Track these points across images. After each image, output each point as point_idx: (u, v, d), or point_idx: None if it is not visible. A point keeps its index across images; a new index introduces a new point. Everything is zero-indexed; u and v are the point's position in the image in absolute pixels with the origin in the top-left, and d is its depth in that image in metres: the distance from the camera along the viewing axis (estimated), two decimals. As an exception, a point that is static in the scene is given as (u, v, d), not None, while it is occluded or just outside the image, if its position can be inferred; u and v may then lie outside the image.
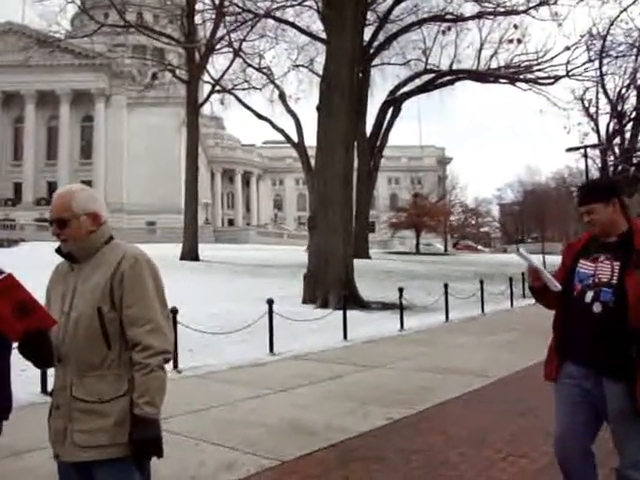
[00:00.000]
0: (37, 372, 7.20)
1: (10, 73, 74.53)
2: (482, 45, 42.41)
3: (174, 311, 10.40)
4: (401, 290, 16.27)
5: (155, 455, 2.73)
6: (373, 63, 43.53)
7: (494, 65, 42.60)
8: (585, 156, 35.71)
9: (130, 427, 2.69)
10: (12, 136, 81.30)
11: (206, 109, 48.25)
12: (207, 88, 43.55)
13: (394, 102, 45.10)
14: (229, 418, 7.06)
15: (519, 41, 41.35)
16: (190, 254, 35.79)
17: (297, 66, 41.81)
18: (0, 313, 2.61)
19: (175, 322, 10.37)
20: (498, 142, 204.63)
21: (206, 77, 42.43)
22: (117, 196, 77.88)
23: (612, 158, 41.22)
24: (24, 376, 7.93)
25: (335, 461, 5.58)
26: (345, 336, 13.56)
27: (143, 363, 2.70)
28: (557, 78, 40.02)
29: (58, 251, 2.94)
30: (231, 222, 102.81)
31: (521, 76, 42.20)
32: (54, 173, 77.49)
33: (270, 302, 12.39)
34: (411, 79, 45.30)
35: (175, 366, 10.09)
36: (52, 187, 73.69)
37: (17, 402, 6.37)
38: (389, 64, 46.73)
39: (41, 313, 2.69)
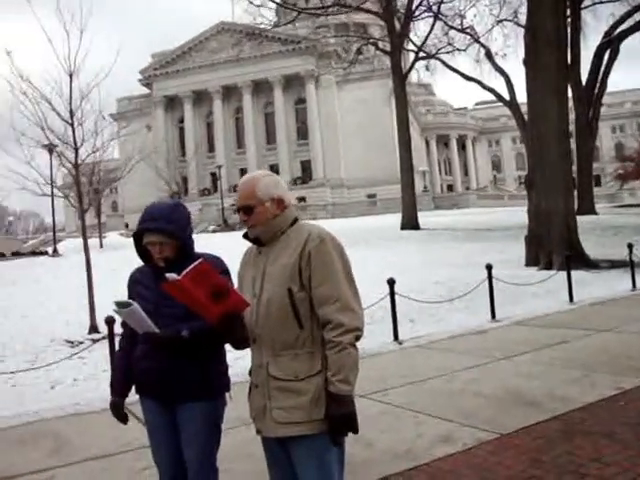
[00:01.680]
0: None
1: (226, 68, 79.95)
2: None
3: (391, 282, 10.50)
4: (631, 246, 15.15)
5: (350, 431, 2.77)
6: (583, 5, 40.29)
7: None
8: None
9: (326, 404, 2.75)
10: (234, 126, 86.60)
11: (413, 77, 47.90)
12: (412, 56, 43.22)
13: (610, 44, 41.40)
14: (447, 389, 6.94)
15: None
16: (410, 223, 35.90)
17: (500, 21, 39.89)
18: (197, 298, 2.79)
19: (392, 293, 10.44)
20: None
21: (410, 46, 42.17)
22: (335, 172, 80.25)
23: None
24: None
25: (558, 435, 5.25)
26: (571, 298, 12.89)
27: (335, 341, 2.74)
28: None
29: (245, 236, 3.04)
30: (450, 188, 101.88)
31: None
32: (274, 157, 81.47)
33: (489, 267, 12.12)
34: (629, 15, 40.98)
35: (395, 337, 10.16)
36: (274, 169, 77.85)
37: (246, 378, 6.79)
38: (601, 3, 42.68)
39: (235, 297, 2.83)
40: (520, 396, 6.42)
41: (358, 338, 2.81)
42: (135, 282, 3.47)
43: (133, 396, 3.52)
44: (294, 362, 2.83)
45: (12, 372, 9.32)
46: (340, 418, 2.72)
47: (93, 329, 12.34)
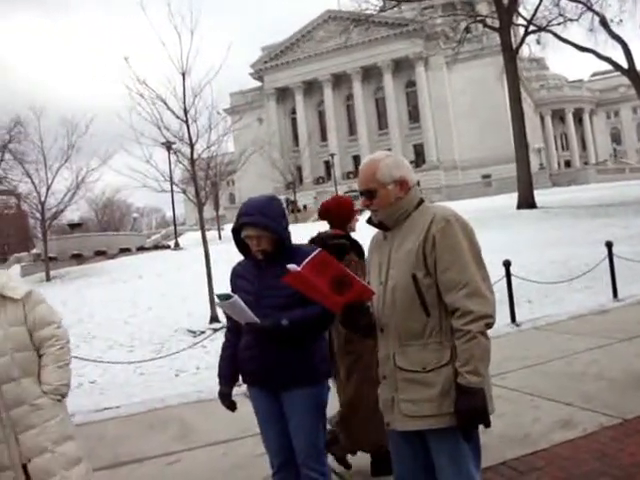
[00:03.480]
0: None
1: (335, 56, 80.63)
2: None
3: (506, 264, 10.31)
4: None
5: (482, 425, 2.64)
6: None
7: None
8: None
9: (455, 397, 2.62)
10: (345, 114, 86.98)
11: (524, 52, 46.38)
12: (521, 31, 41.81)
13: None
14: (566, 371, 6.74)
15: None
16: (526, 202, 34.83)
17: (616, -16, 37.84)
18: (319, 288, 2.75)
19: (509, 274, 10.25)
20: None
21: (519, 20, 40.83)
22: (449, 154, 79.31)
23: None
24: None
25: (687, 419, 4.98)
26: (702, 275, 12.19)
27: (464, 330, 2.60)
28: None
29: (369, 221, 2.95)
30: (567, 164, 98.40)
31: None
32: (387, 142, 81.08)
33: (609, 245, 11.64)
34: None
35: (513, 319, 10.00)
36: (386, 155, 77.94)
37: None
38: None
39: (358, 285, 2.74)
40: (645, 379, 6.14)
41: (489, 326, 2.64)
42: (237, 276, 3.58)
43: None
44: (422, 353, 2.70)
45: (140, 361, 9.82)
46: (470, 412, 2.57)
47: (214, 319, 12.76)
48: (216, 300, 3.34)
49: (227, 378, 3.63)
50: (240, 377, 3.62)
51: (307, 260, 2.71)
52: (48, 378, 3.38)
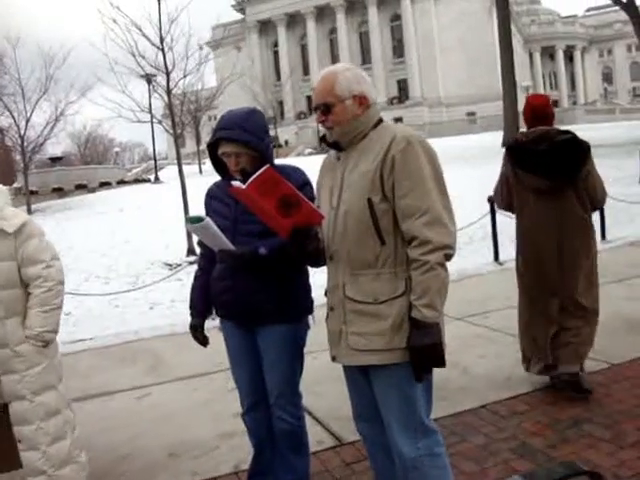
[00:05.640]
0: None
1: (318, -12, 78.56)
2: None
3: (491, 199, 10.04)
4: None
5: (435, 365, 2.41)
6: None
7: None
8: None
9: (409, 333, 2.41)
10: (328, 48, 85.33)
11: (516, -15, 45.51)
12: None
13: None
14: (551, 312, 6.57)
15: None
16: (511, 140, 34.58)
17: None
18: (264, 209, 2.47)
19: (493, 211, 9.97)
20: None
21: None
22: (433, 90, 78.62)
23: None
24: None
25: (677, 364, 4.81)
26: (691, 217, 12.05)
27: (421, 260, 2.35)
28: None
29: (323, 139, 2.70)
30: (555, 103, 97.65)
31: None
32: (370, 77, 79.95)
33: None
34: None
35: (496, 258, 9.91)
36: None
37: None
38: None
39: (307, 208, 2.47)
40: (633, 322, 6.00)
41: (449, 257, 2.40)
42: (211, 197, 3.24)
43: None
44: (374, 283, 2.48)
45: (115, 292, 9.76)
46: (423, 349, 2.35)
47: (190, 252, 12.61)
48: (186, 224, 3.00)
49: (199, 309, 3.31)
50: (213, 309, 3.30)
51: (253, 177, 2.40)
52: (31, 322, 3.14)
